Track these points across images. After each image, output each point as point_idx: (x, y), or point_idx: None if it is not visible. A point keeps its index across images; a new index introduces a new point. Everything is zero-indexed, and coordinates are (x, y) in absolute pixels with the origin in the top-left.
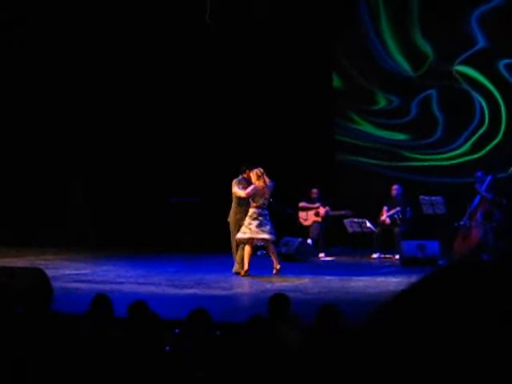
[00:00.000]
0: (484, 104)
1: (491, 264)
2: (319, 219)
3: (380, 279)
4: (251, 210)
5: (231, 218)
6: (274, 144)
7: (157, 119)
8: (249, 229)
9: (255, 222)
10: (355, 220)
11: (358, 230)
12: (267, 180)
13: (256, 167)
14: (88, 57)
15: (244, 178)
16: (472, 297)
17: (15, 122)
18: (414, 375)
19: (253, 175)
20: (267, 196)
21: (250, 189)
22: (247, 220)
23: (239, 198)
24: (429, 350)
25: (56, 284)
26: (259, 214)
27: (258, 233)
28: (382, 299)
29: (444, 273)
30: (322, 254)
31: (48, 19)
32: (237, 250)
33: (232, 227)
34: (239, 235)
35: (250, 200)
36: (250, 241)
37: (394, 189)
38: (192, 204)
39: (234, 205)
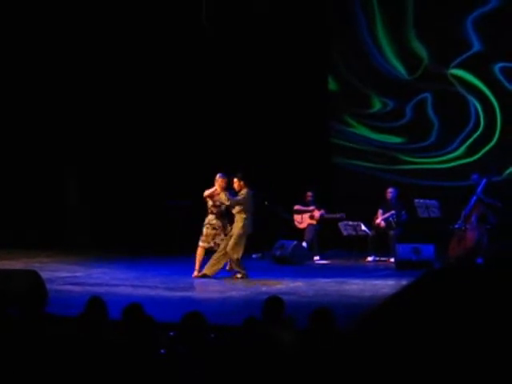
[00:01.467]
0: (479, 107)
1: (484, 268)
2: (314, 222)
3: (375, 282)
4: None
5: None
6: (269, 147)
7: (153, 120)
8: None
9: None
10: (350, 223)
11: (353, 233)
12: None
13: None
14: (87, 58)
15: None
16: (464, 300)
17: (12, 121)
18: (404, 377)
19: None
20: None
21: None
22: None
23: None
24: (419, 352)
25: (51, 286)
26: None
27: None
28: (375, 302)
29: (436, 276)
30: (316, 257)
31: (47, 16)
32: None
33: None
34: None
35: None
36: None
37: (389, 192)
38: (187, 207)
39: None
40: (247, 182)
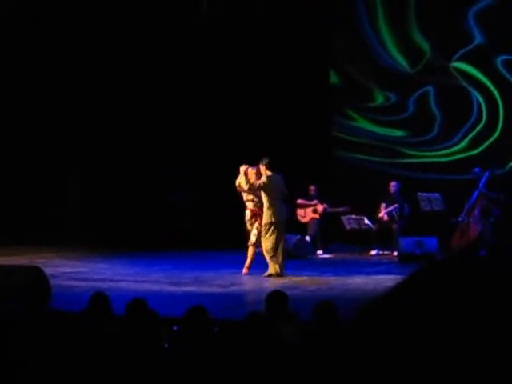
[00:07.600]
0: (481, 100)
1: (487, 260)
2: (317, 216)
3: (378, 276)
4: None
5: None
6: (271, 141)
7: (154, 117)
8: None
9: None
10: (353, 217)
11: (356, 226)
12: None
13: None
14: (86, 56)
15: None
16: (465, 292)
17: (12, 120)
18: (404, 369)
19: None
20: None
21: None
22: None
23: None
24: (419, 345)
25: (54, 282)
26: None
27: None
28: (376, 294)
29: (437, 268)
30: (320, 251)
31: (48, 15)
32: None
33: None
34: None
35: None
36: None
37: (392, 185)
38: (190, 201)
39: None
40: (272, 167)
